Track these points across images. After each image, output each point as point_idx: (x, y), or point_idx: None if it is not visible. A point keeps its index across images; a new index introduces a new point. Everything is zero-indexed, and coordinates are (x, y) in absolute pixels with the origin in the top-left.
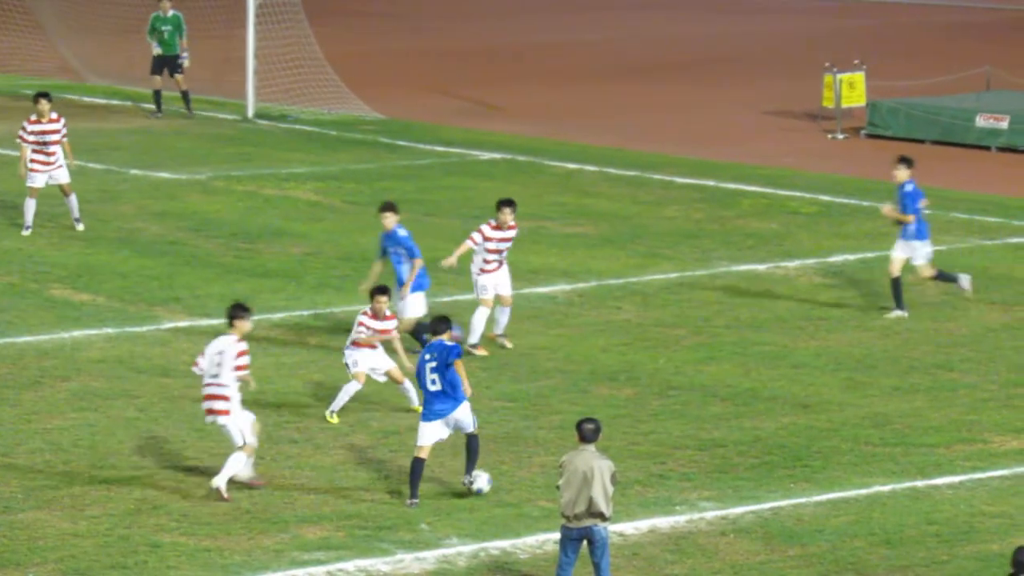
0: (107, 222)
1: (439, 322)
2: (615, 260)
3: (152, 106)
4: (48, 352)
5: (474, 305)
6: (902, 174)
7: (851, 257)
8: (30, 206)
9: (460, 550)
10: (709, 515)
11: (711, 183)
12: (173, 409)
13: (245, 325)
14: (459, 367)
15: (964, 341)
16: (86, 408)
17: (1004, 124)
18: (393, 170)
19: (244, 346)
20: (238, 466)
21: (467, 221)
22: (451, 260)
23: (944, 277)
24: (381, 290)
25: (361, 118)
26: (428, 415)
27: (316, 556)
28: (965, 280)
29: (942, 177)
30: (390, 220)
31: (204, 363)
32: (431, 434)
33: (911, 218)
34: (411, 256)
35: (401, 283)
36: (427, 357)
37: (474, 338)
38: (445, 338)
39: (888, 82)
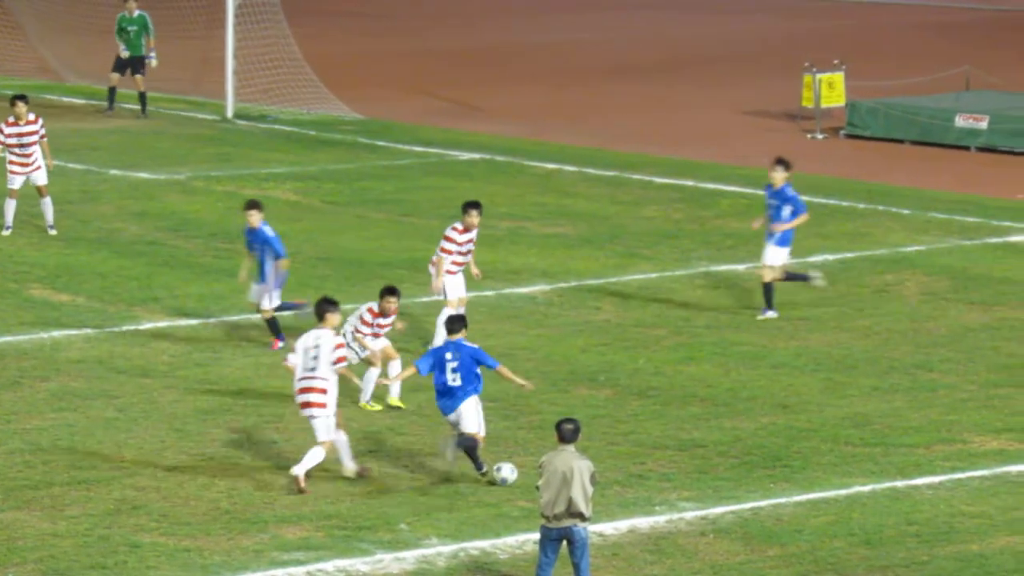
0: (87, 222)
1: (455, 321)
2: (594, 260)
3: (105, 103)
4: (27, 352)
5: (432, 305)
6: (780, 176)
7: (831, 257)
8: (10, 206)
9: (440, 550)
10: (689, 515)
11: (690, 183)
12: (152, 409)
13: (335, 318)
14: (505, 372)
15: (943, 341)
16: (65, 408)
17: (983, 124)
18: (372, 170)
19: (341, 339)
20: (318, 459)
21: (446, 221)
22: (438, 283)
23: (771, 291)
24: (391, 291)
25: (340, 118)
26: (447, 409)
27: (296, 556)
28: (770, 313)
29: (921, 177)
30: (255, 218)
31: (298, 358)
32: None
33: (806, 217)
34: (277, 256)
35: (264, 278)
36: (448, 356)
37: (439, 340)
38: (462, 337)
39: (867, 82)
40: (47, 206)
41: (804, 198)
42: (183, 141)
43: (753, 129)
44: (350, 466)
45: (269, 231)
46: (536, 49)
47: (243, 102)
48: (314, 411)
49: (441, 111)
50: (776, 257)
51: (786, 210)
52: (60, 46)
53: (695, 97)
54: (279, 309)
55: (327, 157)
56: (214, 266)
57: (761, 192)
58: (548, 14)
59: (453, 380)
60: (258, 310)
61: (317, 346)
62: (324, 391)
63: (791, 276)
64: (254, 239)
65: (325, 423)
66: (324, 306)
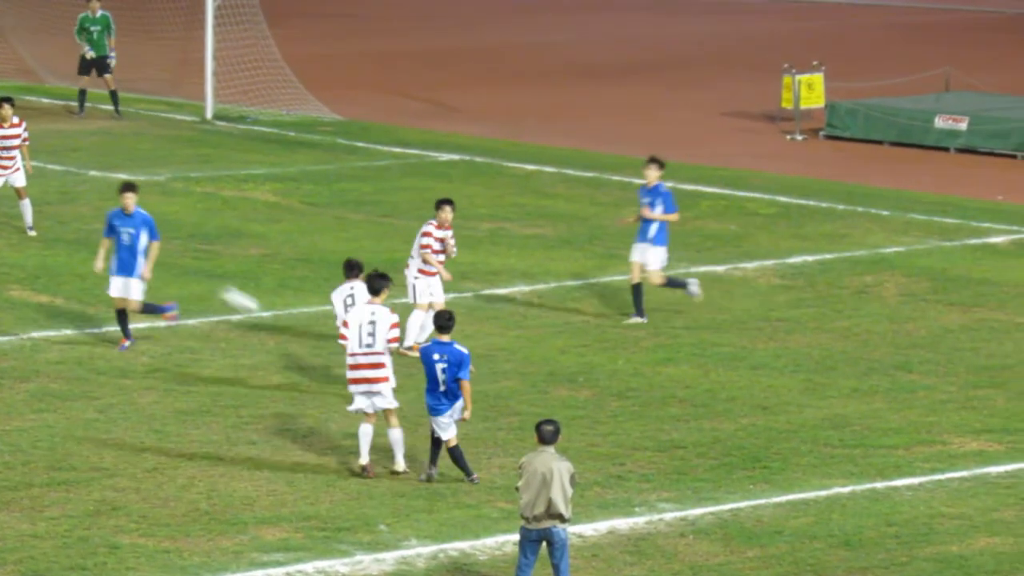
0: (66, 223)
1: (450, 319)
2: (574, 261)
3: (75, 104)
4: (7, 353)
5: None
6: (654, 174)
7: (810, 258)
8: None
9: (419, 551)
10: (668, 516)
11: (670, 184)
12: (132, 410)
13: (387, 293)
14: (465, 388)
15: (923, 343)
16: (45, 409)
17: (963, 125)
18: (351, 171)
19: (396, 317)
20: (401, 439)
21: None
22: (445, 275)
23: (673, 284)
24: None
25: (319, 119)
26: (438, 411)
27: (275, 557)
28: (694, 285)
29: (901, 178)
30: (132, 201)
31: (352, 333)
32: (453, 427)
33: (676, 217)
34: (152, 239)
35: (124, 267)
36: (436, 357)
37: (409, 340)
38: (449, 338)
39: (847, 83)
40: (26, 208)
41: (783, 198)
42: (162, 142)
43: (732, 130)
44: (361, 458)
45: (146, 213)
46: (516, 50)
47: (222, 103)
48: (376, 386)
49: (419, 112)
50: (655, 259)
51: (659, 208)
52: (39, 47)
53: (674, 98)
54: (145, 310)
55: (306, 158)
56: (193, 267)
57: (740, 193)
58: (528, 15)
59: (443, 383)
60: (118, 305)
61: (373, 322)
62: (383, 365)
63: (672, 283)
64: (126, 223)
65: (390, 391)
66: (379, 281)
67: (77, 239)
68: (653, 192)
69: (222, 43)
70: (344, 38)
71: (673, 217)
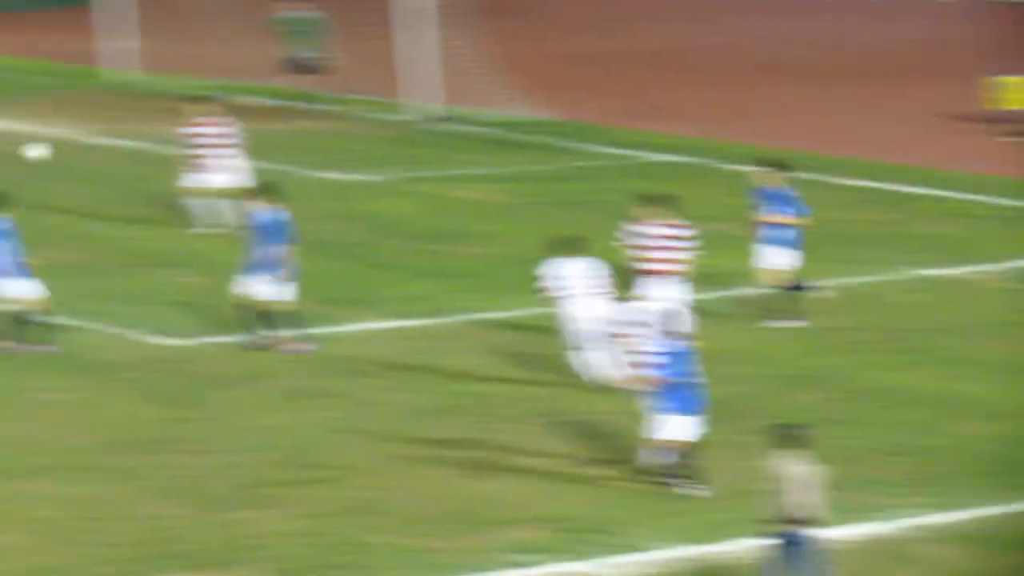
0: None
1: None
2: (817, 262)
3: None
4: (250, 352)
5: None
6: (777, 177)
7: None
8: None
9: (664, 555)
10: (917, 521)
11: (886, 186)
12: (377, 409)
13: None
14: None
15: None
16: (297, 408)
17: None
18: (570, 171)
19: None
20: None
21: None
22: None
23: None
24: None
25: (535, 119)
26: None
27: (526, 558)
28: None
29: None
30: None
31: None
32: None
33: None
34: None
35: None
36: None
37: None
38: None
39: None
40: (230, 208)
41: (1006, 201)
42: (380, 143)
43: (945, 132)
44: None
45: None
46: (721, 50)
47: (440, 104)
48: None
49: (632, 112)
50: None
51: (789, 210)
52: (246, 46)
53: (883, 100)
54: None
55: (523, 158)
56: (419, 267)
57: (960, 196)
58: (722, 14)
59: None
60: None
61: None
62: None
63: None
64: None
65: None
66: None
67: (313, 239)
68: (775, 195)
69: (442, 43)
70: (556, 39)
71: (805, 220)
